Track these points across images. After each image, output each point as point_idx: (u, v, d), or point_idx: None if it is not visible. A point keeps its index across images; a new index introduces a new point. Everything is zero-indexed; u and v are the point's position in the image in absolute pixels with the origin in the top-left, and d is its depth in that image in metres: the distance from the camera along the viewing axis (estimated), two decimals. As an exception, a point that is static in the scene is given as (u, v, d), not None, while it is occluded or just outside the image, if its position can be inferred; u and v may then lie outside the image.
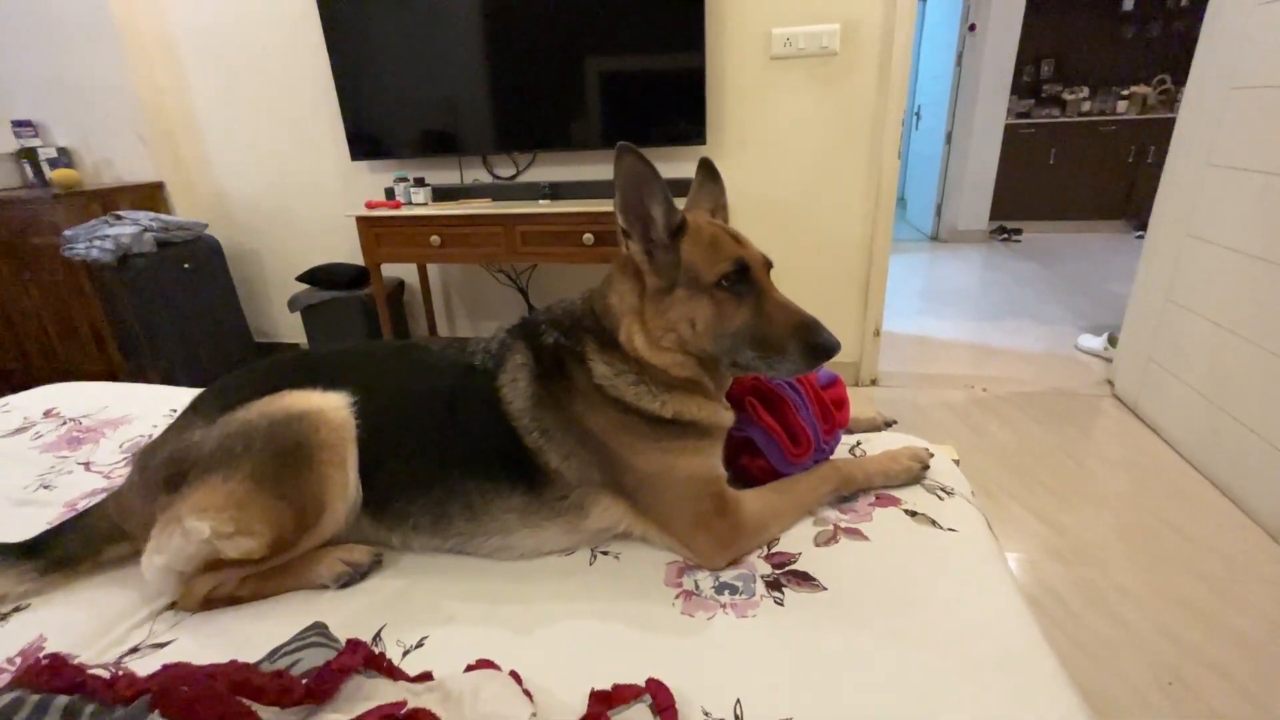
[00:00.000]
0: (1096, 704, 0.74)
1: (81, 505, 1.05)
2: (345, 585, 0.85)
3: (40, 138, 3.21)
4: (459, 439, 0.90)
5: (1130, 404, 2.59)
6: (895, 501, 0.95)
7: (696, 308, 0.85)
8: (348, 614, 0.80)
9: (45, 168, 3.14)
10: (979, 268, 4.97)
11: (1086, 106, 5.55)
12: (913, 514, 0.92)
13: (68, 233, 2.78)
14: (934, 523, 0.90)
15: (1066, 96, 5.58)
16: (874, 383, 2.92)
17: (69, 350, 3.15)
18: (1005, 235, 5.71)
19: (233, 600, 0.83)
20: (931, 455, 1.03)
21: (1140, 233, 5.44)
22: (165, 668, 0.66)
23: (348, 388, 0.89)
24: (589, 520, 0.89)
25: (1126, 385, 2.64)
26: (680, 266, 0.86)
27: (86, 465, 1.20)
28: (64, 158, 3.21)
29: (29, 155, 3.14)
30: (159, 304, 2.91)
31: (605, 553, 0.90)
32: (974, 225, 5.70)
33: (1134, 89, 5.43)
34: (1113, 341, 2.99)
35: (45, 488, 1.13)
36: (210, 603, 0.83)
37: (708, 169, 1.04)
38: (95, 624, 0.80)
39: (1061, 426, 2.52)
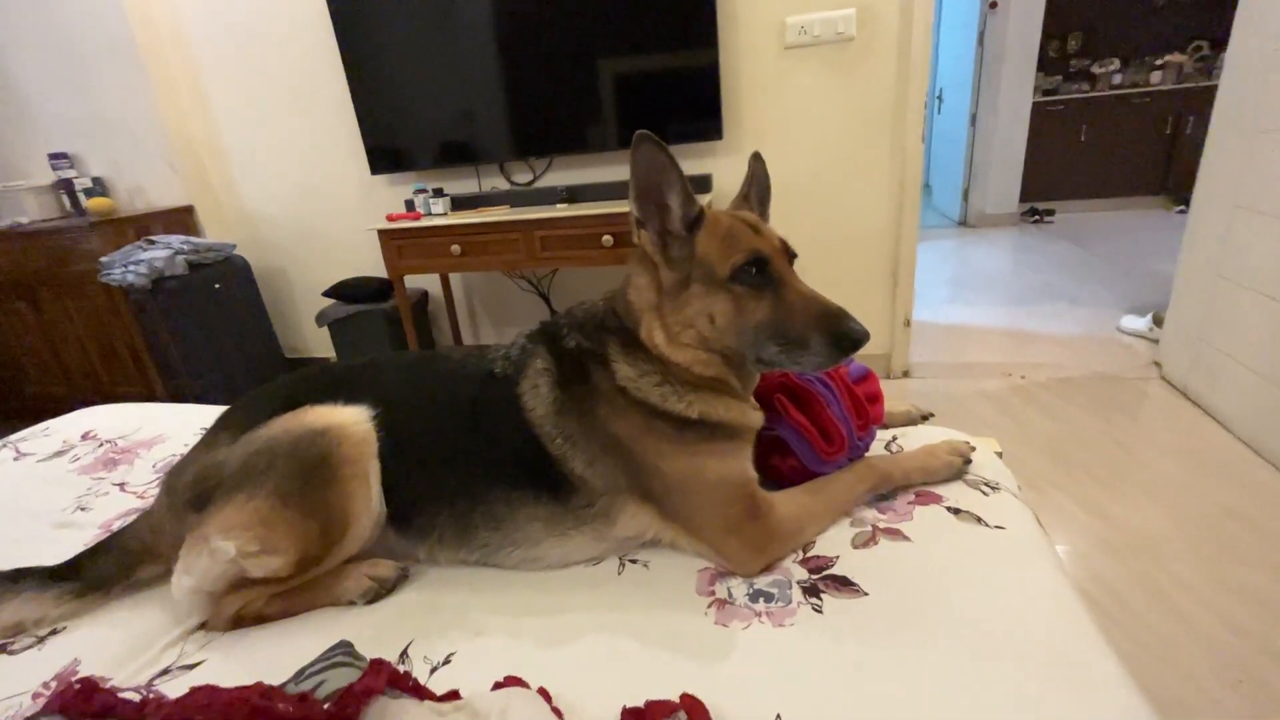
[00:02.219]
0: (1162, 707, 0.69)
1: (116, 526, 1.06)
2: (372, 601, 0.84)
3: (75, 169, 3.31)
4: (481, 449, 0.88)
5: (1180, 386, 2.47)
6: (936, 499, 0.91)
7: (714, 302, 0.82)
8: (375, 630, 0.79)
9: (81, 197, 3.24)
10: (1011, 251, 4.82)
11: (1118, 79, 5.35)
12: (956, 511, 0.87)
13: (104, 259, 2.87)
14: (979, 520, 0.85)
15: (1096, 70, 5.38)
16: (906, 374, 2.84)
17: (111, 373, 3.25)
18: (1036, 217, 5.53)
19: (261, 619, 0.83)
20: (973, 449, 0.98)
21: (1181, 208, 5.23)
22: (192, 691, 0.66)
23: (369, 401, 0.88)
24: (616, 528, 0.86)
25: (1175, 366, 2.52)
26: (695, 260, 0.84)
27: (121, 486, 1.22)
28: (99, 187, 3.31)
29: (66, 186, 3.25)
30: (192, 324, 2.98)
31: (634, 561, 0.87)
32: (1003, 208, 5.54)
33: (1168, 58, 5.22)
34: (1158, 321, 2.86)
35: (82, 509, 1.15)
36: (239, 621, 0.83)
37: (757, 159, 1.01)
38: (128, 646, 0.80)
39: (1107, 412, 2.41)
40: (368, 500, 0.83)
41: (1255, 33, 2.08)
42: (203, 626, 0.84)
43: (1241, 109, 2.13)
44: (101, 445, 1.40)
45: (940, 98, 6.09)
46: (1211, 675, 1.35)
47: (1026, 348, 3.06)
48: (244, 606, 0.82)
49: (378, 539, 0.88)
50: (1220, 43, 4.98)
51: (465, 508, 0.87)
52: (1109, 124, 5.32)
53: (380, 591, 0.85)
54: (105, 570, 0.88)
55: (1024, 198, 5.52)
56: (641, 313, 0.88)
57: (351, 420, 0.85)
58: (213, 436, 0.90)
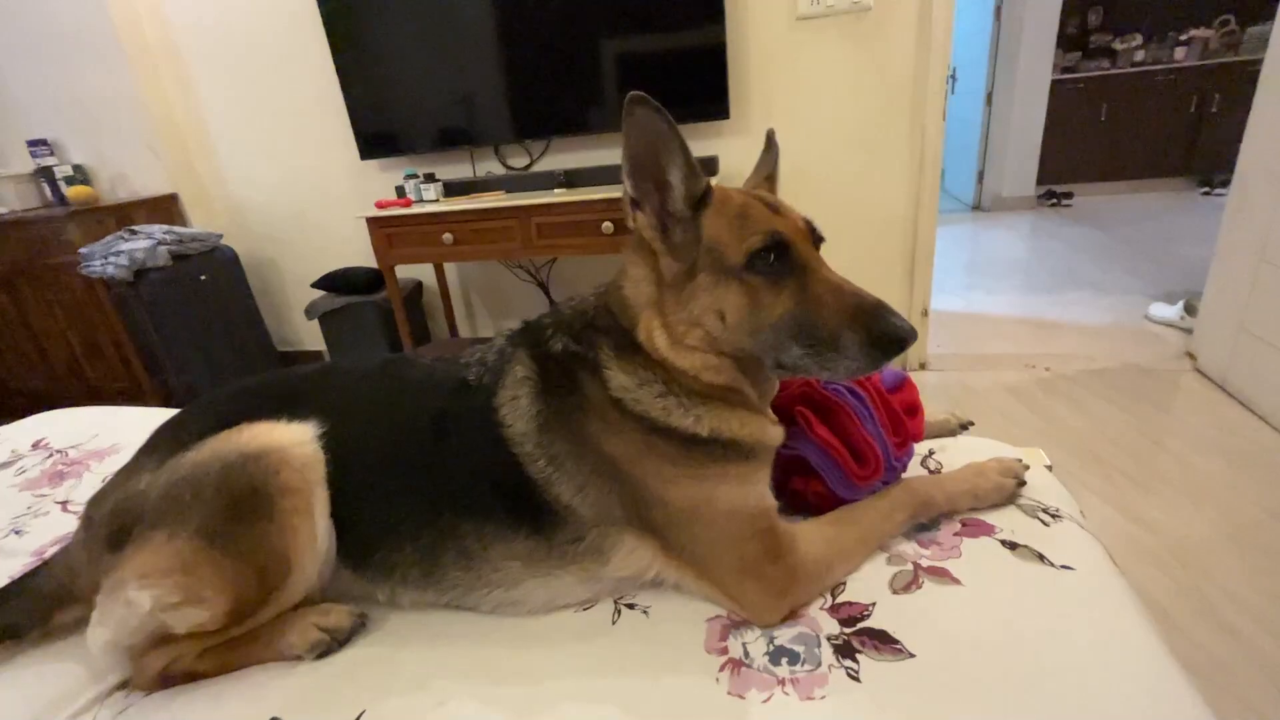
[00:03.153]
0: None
1: (50, 553, 0.94)
2: (322, 655, 0.71)
3: (56, 156, 3.18)
4: (450, 472, 0.75)
5: (1217, 378, 2.32)
6: (988, 529, 0.77)
7: (724, 296, 0.69)
8: (322, 695, 0.66)
9: (62, 186, 3.11)
10: (1028, 236, 4.65)
11: (1140, 56, 5.12)
12: (1012, 546, 0.74)
13: (84, 250, 2.75)
14: (1041, 558, 0.71)
15: (1117, 46, 5.16)
16: (923, 366, 2.70)
17: (95, 369, 3.14)
18: (1054, 200, 5.34)
19: (191, 677, 0.70)
20: (1027, 467, 0.84)
21: (1206, 189, 5.03)
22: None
23: (317, 416, 0.75)
24: (610, 567, 0.73)
25: (1212, 357, 2.37)
26: (701, 245, 0.70)
27: (64, 505, 1.10)
28: (80, 174, 3.18)
29: (46, 174, 3.12)
30: (177, 318, 2.86)
31: (631, 606, 0.73)
32: (1020, 191, 5.34)
33: (1194, 33, 4.99)
34: (1190, 309, 2.70)
35: (16, 533, 1.02)
36: (167, 680, 0.70)
37: (769, 138, 0.89)
38: (34, 709, 0.68)
39: (1139, 406, 2.27)
40: (312, 537, 0.70)
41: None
42: (125, 684, 0.71)
43: (1292, 82, 1.97)
44: (51, 456, 1.28)
45: (953, 77, 5.86)
46: (1267, 696, 1.23)
47: (1049, 338, 2.91)
48: (171, 663, 0.69)
49: (331, 578, 0.76)
50: (1248, 17, 4.76)
51: (431, 542, 0.74)
52: (1131, 102, 5.10)
53: (331, 645, 0.72)
54: (16, 618, 0.76)
55: (1041, 180, 5.33)
56: (639, 310, 0.74)
57: (293, 441, 0.71)
58: (137, 460, 0.77)
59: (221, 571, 0.66)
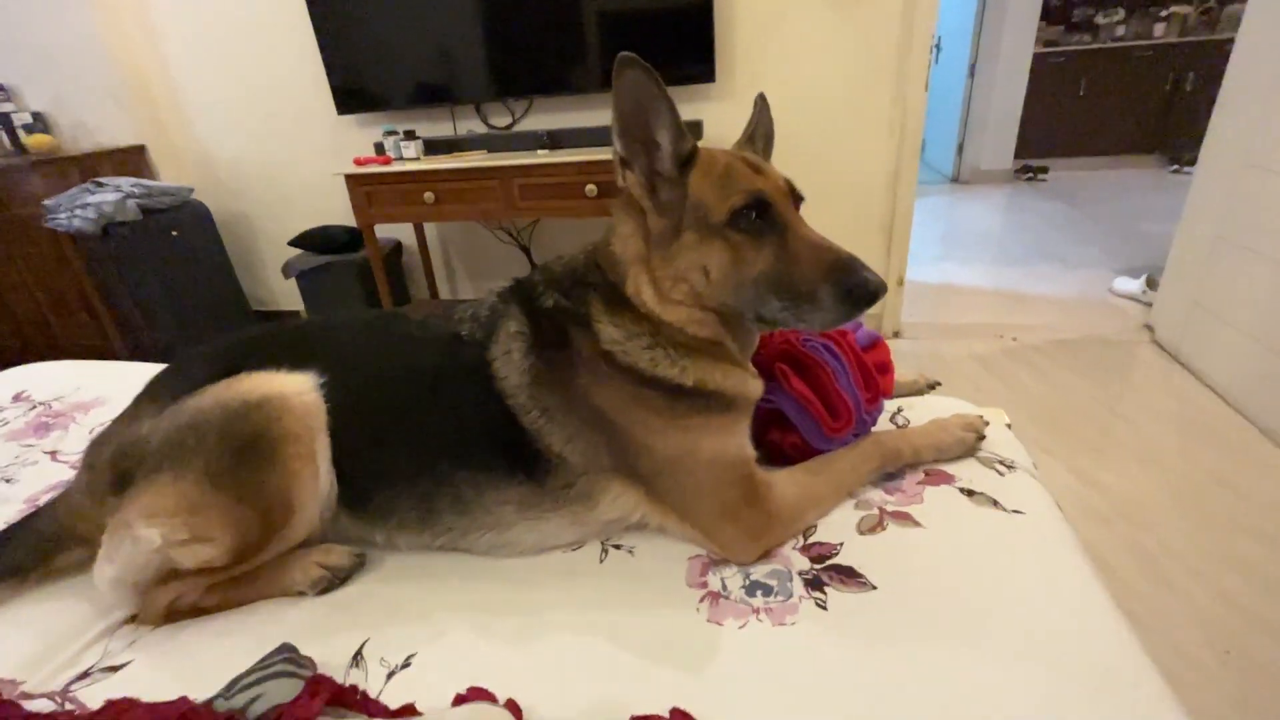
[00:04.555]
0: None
1: (44, 500, 0.95)
2: (324, 592, 0.75)
3: (13, 102, 3.04)
4: (445, 422, 0.78)
5: (1172, 350, 2.43)
6: (948, 478, 0.83)
7: (709, 252, 0.72)
8: (325, 626, 0.70)
9: (20, 134, 2.98)
10: (1004, 209, 4.73)
11: (1121, 31, 5.17)
12: (970, 493, 0.80)
13: (48, 202, 2.66)
14: (995, 503, 0.78)
15: (1100, 21, 5.19)
16: (897, 334, 2.78)
17: (63, 325, 3.06)
18: (1030, 174, 5.42)
19: (198, 611, 0.74)
20: (986, 423, 0.90)
21: (1176, 167, 5.14)
22: (108, 705, 0.57)
23: (316, 367, 0.77)
24: (598, 511, 0.78)
25: (1168, 330, 2.48)
26: (687, 204, 0.73)
27: (53, 455, 1.11)
28: (39, 123, 3.05)
29: (4, 121, 2.98)
30: (148, 274, 2.80)
31: (618, 547, 0.79)
32: (998, 164, 5.41)
33: (1174, 9, 5.04)
34: (1151, 284, 2.81)
35: (6, 481, 1.03)
36: (173, 615, 0.73)
37: (762, 102, 0.93)
38: (44, 644, 0.71)
39: (1099, 376, 2.37)
40: (315, 481, 0.73)
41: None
42: (132, 619, 0.74)
43: (1260, 64, 2.02)
44: (34, 408, 1.28)
45: (937, 47, 5.84)
46: (1201, 646, 1.34)
47: (1018, 308, 3.00)
48: (177, 598, 0.73)
49: (330, 522, 0.79)
50: (1226, -5, 4.83)
51: (428, 488, 0.78)
52: (1109, 78, 5.16)
53: (333, 581, 0.76)
54: (18, 559, 0.78)
55: (1019, 154, 5.40)
56: (627, 266, 0.77)
57: (295, 390, 0.74)
58: (137, 406, 0.79)
59: (227, 512, 0.69)
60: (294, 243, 2.93)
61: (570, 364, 0.76)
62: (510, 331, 0.79)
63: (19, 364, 1.51)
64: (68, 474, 1.04)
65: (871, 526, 0.77)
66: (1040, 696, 0.56)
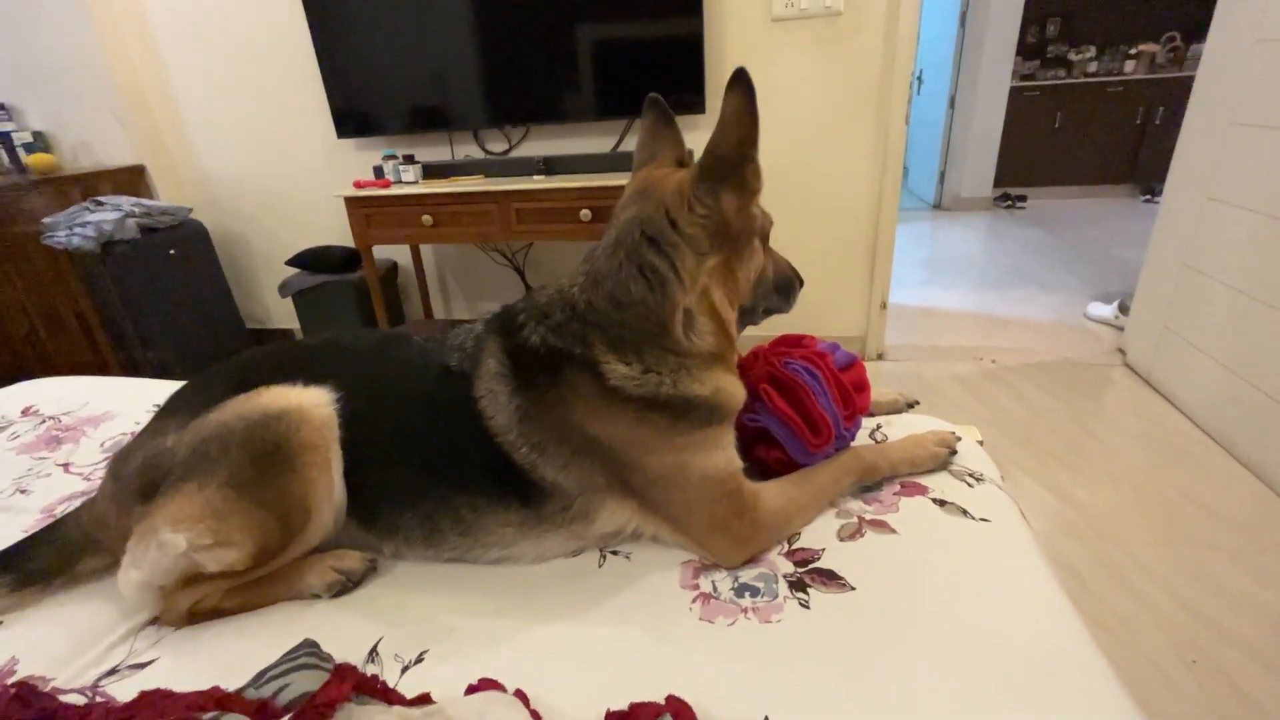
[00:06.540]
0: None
1: (60, 510, 0.99)
2: (339, 594, 0.80)
3: (14, 121, 3.09)
4: (442, 450, 0.82)
5: (1143, 373, 2.53)
6: (922, 490, 0.90)
7: (761, 258, 0.87)
8: (341, 626, 0.75)
9: (21, 153, 3.03)
10: (983, 236, 4.87)
11: (1093, 67, 5.39)
12: (941, 503, 0.86)
13: (48, 220, 2.69)
14: (964, 512, 0.84)
15: (1073, 57, 5.41)
16: (881, 357, 2.86)
17: (58, 343, 3.07)
18: (1009, 202, 5.60)
19: (218, 613, 0.78)
20: (958, 439, 0.97)
21: (1147, 197, 5.34)
22: (141, 696, 0.61)
23: (330, 383, 0.82)
24: (595, 526, 0.82)
25: (1139, 354, 2.58)
26: (755, 221, 0.84)
27: (66, 467, 1.14)
28: (40, 142, 3.10)
29: (4, 140, 3.02)
30: (146, 293, 2.83)
31: (615, 553, 0.84)
32: (978, 192, 5.59)
33: (1142, 47, 5.27)
34: (1124, 309, 2.92)
35: (22, 492, 1.07)
36: (195, 616, 0.77)
37: (659, 109, 0.91)
38: (72, 643, 0.74)
39: (1073, 397, 2.47)
40: (329, 489, 0.78)
41: (1235, 26, 2.09)
42: (154, 621, 0.78)
43: (1217, 102, 2.15)
44: (44, 422, 1.31)
45: (920, 79, 6.06)
46: (1167, 655, 1.40)
47: (997, 332, 3.10)
48: (199, 601, 0.77)
49: (341, 532, 0.83)
50: (1191, 34, 5.06)
51: (430, 510, 0.82)
52: (1083, 111, 5.37)
53: (347, 585, 0.80)
54: (44, 562, 0.82)
55: (998, 182, 5.58)
56: (676, 300, 0.77)
57: (312, 403, 0.79)
58: (161, 420, 0.83)
59: (249, 518, 0.74)
60: (291, 262, 2.98)
61: (562, 402, 0.77)
62: (491, 371, 0.80)
63: (12, 381, 1.53)
64: (81, 485, 1.08)
65: (851, 533, 0.83)
66: (1001, 684, 0.61)
